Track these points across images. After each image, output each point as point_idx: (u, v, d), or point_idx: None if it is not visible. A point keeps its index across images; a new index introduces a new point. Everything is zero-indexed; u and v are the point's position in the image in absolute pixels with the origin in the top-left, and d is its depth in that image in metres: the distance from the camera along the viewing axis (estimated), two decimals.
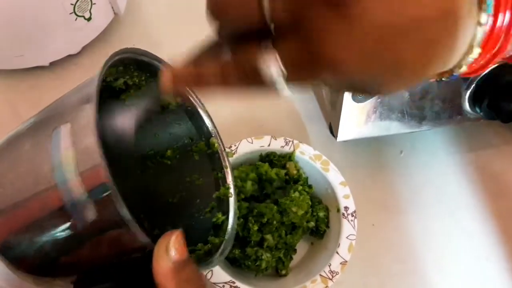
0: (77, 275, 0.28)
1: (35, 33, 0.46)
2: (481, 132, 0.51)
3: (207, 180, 0.38)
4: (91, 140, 0.24)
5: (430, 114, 0.44)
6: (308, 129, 0.50)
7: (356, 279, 0.44)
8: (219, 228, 0.36)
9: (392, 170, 0.48)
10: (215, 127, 0.38)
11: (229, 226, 0.35)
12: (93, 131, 0.24)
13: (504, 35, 0.26)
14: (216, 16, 0.22)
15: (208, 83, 0.24)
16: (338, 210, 0.42)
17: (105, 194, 0.24)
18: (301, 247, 0.44)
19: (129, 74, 0.34)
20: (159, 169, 0.39)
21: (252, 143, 0.43)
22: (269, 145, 0.44)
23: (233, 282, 0.38)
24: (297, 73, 0.22)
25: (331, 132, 0.47)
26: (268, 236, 0.40)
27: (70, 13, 0.46)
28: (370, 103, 0.43)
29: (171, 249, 0.26)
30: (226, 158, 0.38)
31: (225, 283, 0.38)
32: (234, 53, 0.24)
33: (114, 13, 0.51)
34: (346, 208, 0.41)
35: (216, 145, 0.38)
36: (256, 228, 0.40)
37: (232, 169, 0.38)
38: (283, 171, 0.43)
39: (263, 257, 0.40)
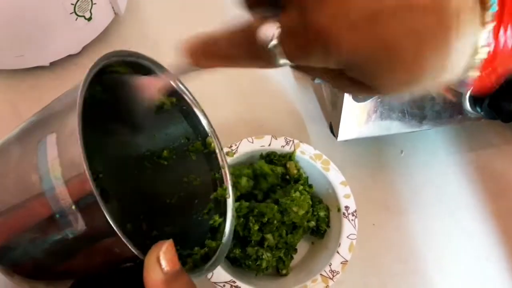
0: (71, 282, 0.28)
1: (36, 33, 0.46)
2: (481, 131, 0.51)
3: (205, 180, 0.38)
4: (76, 150, 0.24)
5: (430, 114, 0.44)
6: (309, 129, 0.50)
7: (356, 279, 0.44)
8: (216, 231, 0.35)
9: (393, 169, 0.48)
10: (211, 126, 0.38)
11: (227, 230, 0.35)
12: (77, 141, 0.24)
13: None
14: None
15: (219, 53, 0.26)
16: (339, 210, 0.42)
17: (91, 204, 0.24)
18: (302, 247, 0.44)
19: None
20: (156, 169, 0.39)
21: (252, 142, 0.43)
22: (269, 144, 0.44)
23: (234, 282, 0.38)
24: (293, 44, 0.23)
25: (332, 131, 0.47)
26: (269, 236, 0.40)
27: (71, 13, 0.46)
28: (370, 102, 0.43)
29: (162, 260, 0.25)
30: (223, 158, 0.37)
31: (226, 282, 0.38)
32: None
33: (115, 13, 0.51)
34: (346, 207, 0.41)
35: (212, 144, 0.37)
36: (256, 227, 0.40)
37: (230, 169, 0.38)
38: (279, 168, 0.43)
39: (263, 256, 0.40)
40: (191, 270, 0.31)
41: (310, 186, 0.44)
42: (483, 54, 0.23)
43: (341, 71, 0.24)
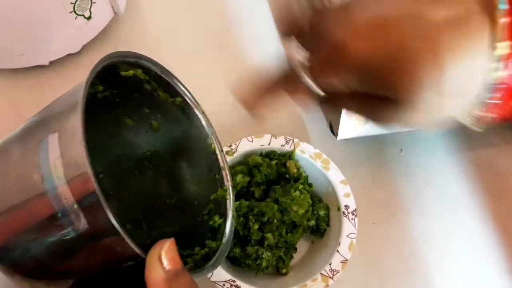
0: (72, 281, 0.28)
1: (35, 32, 0.46)
2: None
3: (205, 181, 0.38)
4: (78, 150, 0.24)
5: None
6: (309, 128, 0.50)
7: (356, 278, 0.44)
8: (217, 231, 0.36)
9: (393, 168, 0.48)
10: (212, 127, 0.38)
11: (227, 230, 0.35)
12: (80, 141, 0.24)
13: None
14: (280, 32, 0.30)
15: (266, 94, 0.31)
16: (339, 209, 0.42)
17: (93, 203, 0.24)
18: (302, 246, 0.44)
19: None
20: (156, 170, 0.39)
21: (252, 142, 0.43)
22: (269, 143, 0.44)
23: (234, 281, 0.38)
24: (316, 64, 0.26)
25: (332, 130, 0.47)
26: (269, 235, 0.40)
27: (70, 12, 0.46)
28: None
29: (163, 259, 0.26)
30: (223, 159, 0.38)
31: (226, 281, 0.38)
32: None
33: (114, 12, 0.51)
34: (346, 206, 0.41)
35: (212, 146, 0.37)
36: (256, 227, 0.40)
37: (230, 170, 0.38)
38: (274, 161, 0.43)
39: (263, 256, 0.40)
40: (191, 270, 0.31)
41: (310, 185, 0.44)
42: (502, 50, 0.23)
43: (366, 93, 0.26)
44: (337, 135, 0.45)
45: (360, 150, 0.49)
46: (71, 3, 0.45)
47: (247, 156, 0.43)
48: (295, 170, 0.43)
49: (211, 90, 0.50)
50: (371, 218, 0.46)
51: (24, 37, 0.46)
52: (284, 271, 0.42)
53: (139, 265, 0.26)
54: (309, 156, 0.43)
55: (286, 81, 0.29)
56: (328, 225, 0.43)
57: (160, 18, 0.55)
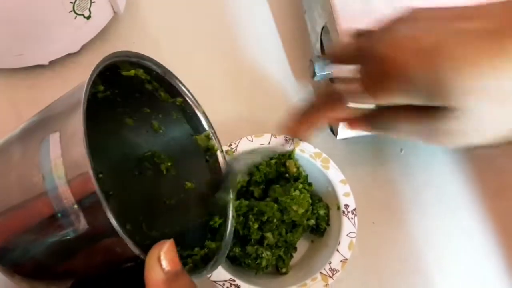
0: (71, 281, 0.28)
1: (35, 32, 0.46)
2: None
3: (205, 182, 0.38)
4: (79, 150, 0.24)
5: None
6: None
7: (356, 277, 0.44)
8: (216, 232, 0.35)
9: (392, 168, 0.48)
10: (212, 128, 0.38)
11: (227, 231, 0.35)
12: (81, 140, 0.24)
13: None
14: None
15: (311, 119, 0.34)
16: (339, 208, 0.42)
17: (93, 204, 0.24)
18: (302, 245, 0.44)
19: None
20: (156, 170, 0.39)
21: (252, 141, 0.43)
22: (269, 143, 0.43)
23: (233, 280, 0.38)
24: (369, 79, 0.28)
25: (331, 130, 0.47)
26: (269, 234, 0.40)
27: (70, 12, 0.46)
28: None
29: (163, 260, 0.26)
30: (224, 160, 0.38)
31: (225, 281, 0.38)
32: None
33: (114, 11, 0.51)
34: (346, 206, 0.41)
35: (215, 147, 0.38)
36: (256, 226, 0.40)
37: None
38: (273, 160, 0.43)
39: (263, 255, 0.40)
40: (191, 271, 0.31)
41: (310, 184, 0.44)
42: None
43: (420, 108, 0.28)
44: (336, 134, 0.45)
45: (360, 149, 0.49)
46: (71, 2, 0.45)
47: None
48: (294, 170, 0.43)
49: (211, 90, 0.50)
50: (371, 217, 0.46)
51: (24, 36, 0.46)
52: (284, 270, 0.42)
53: (139, 266, 0.26)
54: (309, 155, 0.43)
55: (327, 104, 0.32)
56: (328, 224, 0.43)
57: (160, 18, 0.55)
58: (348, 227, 0.41)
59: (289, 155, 0.43)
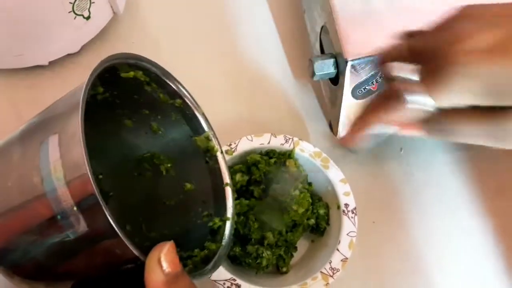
0: (71, 283, 0.28)
1: (34, 32, 0.46)
2: None
3: (205, 183, 0.38)
4: (78, 151, 0.24)
5: None
6: (308, 127, 0.50)
7: (356, 276, 0.44)
8: (216, 233, 0.35)
9: (392, 167, 0.48)
10: (212, 129, 0.38)
11: (226, 232, 0.35)
12: (79, 143, 0.24)
13: None
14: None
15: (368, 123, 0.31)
16: (339, 207, 0.42)
17: (92, 205, 0.24)
18: (302, 245, 0.44)
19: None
20: (156, 171, 0.39)
21: (252, 140, 0.43)
22: (269, 142, 0.44)
23: (234, 280, 0.38)
24: (434, 83, 0.27)
25: (331, 129, 0.47)
26: (269, 234, 0.40)
27: (69, 12, 0.46)
28: (369, 99, 0.43)
29: (163, 262, 0.25)
30: (224, 161, 0.38)
31: (226, 280, 0.38)
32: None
33: (113, 12, 0.51)
34: (346, 205, 0.41)
35: (215, 148, 0.38)
36: (256, 226, 0.40)
37: (230, 172, 0.38)
38: (273, 159, 0.43)
39: (263, 254, 0.40)
40: (191, 272, 0.31)
41: (310, 184, 0.44)
42: None
43: (484, 109, 0.27)
44: (336, 133, 0.45)
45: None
46: (70, 3, 0.45)
47: (247, 155, 0.43)
48: (295, 169, 0.43)
49: (211, 90, 0.50)
50: (371, 216, 0.46)
51: (24, 37, 0.46)
52: (284, 269, 0.42)
53: (139, 267, 0.26)
54: (309, 154, 0.43)
55: (385, 105, 0.30)
56: (328, 223, 0.43)
57: (160, 18, 0.55)
58: (348, 226, 0.41)
59: (289, 154, 0.43)
